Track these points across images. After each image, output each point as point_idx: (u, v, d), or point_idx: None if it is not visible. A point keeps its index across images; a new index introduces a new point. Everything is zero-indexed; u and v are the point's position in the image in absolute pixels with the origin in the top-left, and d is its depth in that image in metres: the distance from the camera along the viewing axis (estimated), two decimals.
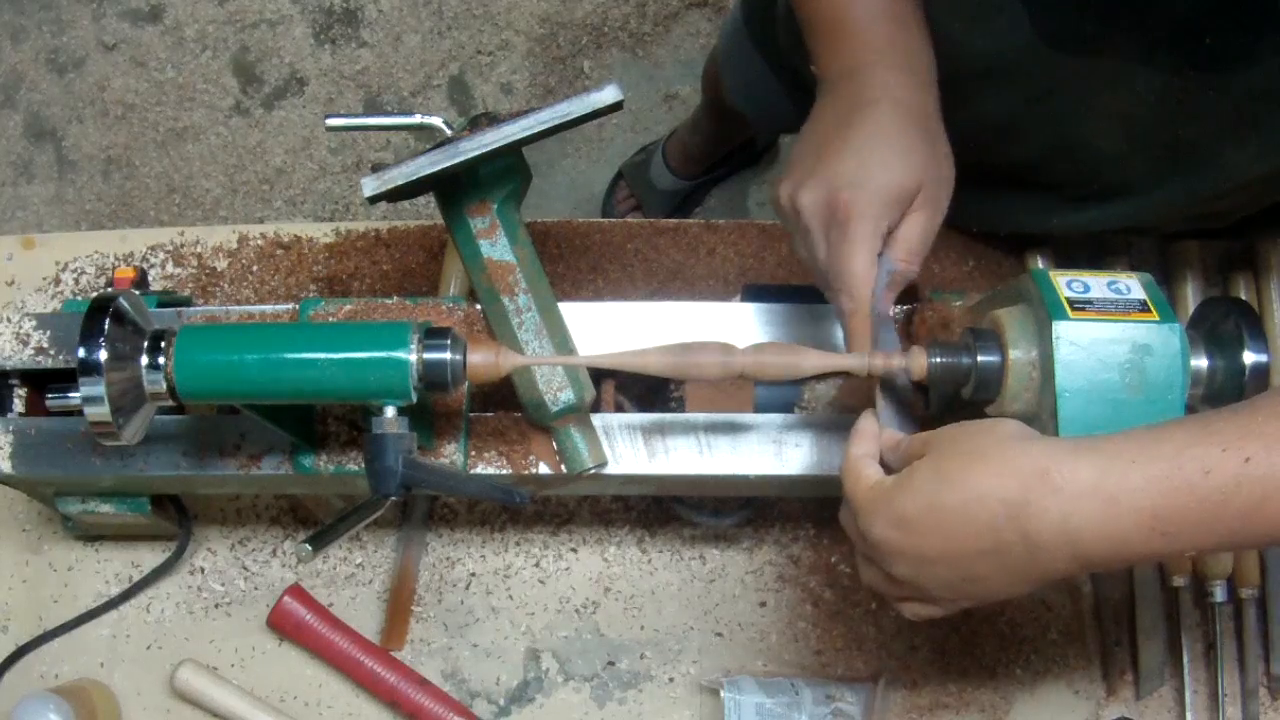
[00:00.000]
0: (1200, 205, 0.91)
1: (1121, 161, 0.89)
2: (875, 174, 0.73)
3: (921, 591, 0.68)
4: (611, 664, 0.99)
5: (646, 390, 0.88)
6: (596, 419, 0.83)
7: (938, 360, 0.74)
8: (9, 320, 0.85)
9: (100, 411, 0.67)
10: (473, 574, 1.01)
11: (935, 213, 0.76)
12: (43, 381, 0.85)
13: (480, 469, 0.83)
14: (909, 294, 0.89)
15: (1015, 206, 1.00)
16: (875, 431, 0.73)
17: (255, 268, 1.06)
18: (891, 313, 0.79)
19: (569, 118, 0.75)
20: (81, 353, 0.66)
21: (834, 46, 0.80)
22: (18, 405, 0.86)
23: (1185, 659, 0.97)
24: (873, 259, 0.74)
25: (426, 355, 0.70)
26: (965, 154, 0.78)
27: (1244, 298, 1.01)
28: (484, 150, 0.74)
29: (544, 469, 0.83)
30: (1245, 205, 0.95)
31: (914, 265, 0.76)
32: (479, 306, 0.83)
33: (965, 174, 0.78)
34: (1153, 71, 0.79)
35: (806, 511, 1.01)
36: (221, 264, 1.06)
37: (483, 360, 0.72)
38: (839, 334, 0.84)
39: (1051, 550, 0.62)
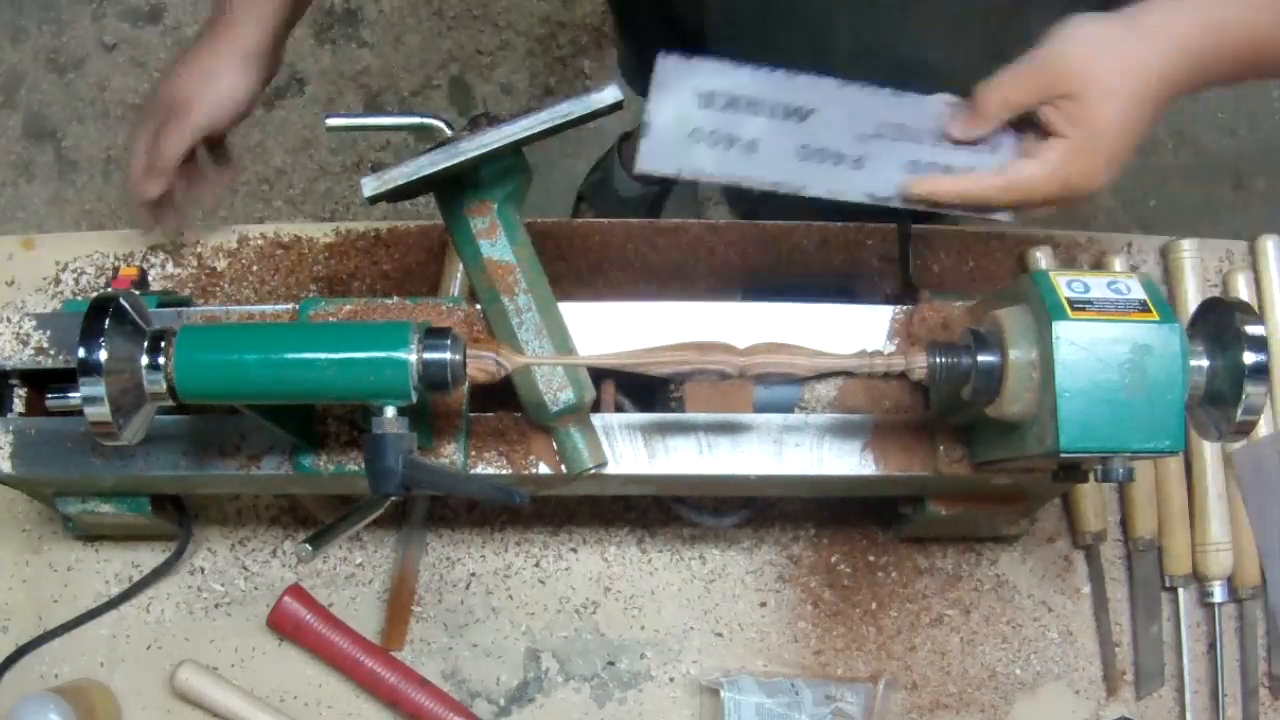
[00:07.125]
0: None
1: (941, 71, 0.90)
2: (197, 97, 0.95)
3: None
4: (611, 664, 0.99)
5: (646, 390, 0.88)
6: (596, 419, 0.83)
7: (938, 360, 0.74)
8: (9, 320, 0.85)
9: (100, 411, 0.67)
10: (473, 574, 1.01)
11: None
12: (43, 381, 0.85)
13: (480, 469, 0.83)
14: (909, 294, 0.89)
15: None
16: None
17: (255, 268, 1.06)
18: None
19: (569, 118, 0.75)
20: (81, 353, 0.66)
21: None
22: (18, 405, 0.86)
23: (1185, 659, 0.97)
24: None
25: (426, 355, 0.70)
26: None
27: (1244, 298, 1.01)
28: (484, 150, 0.74)
29: (544, 469, 0.83)
30: None
31: None
32: (479, 306, 0.83)
33: None
34: None
35: (806, 511, 1.01)
36: (221, 264, 1.06)
37: (483, 360, 0.72)
38: (839, 334, 0.84)
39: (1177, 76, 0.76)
